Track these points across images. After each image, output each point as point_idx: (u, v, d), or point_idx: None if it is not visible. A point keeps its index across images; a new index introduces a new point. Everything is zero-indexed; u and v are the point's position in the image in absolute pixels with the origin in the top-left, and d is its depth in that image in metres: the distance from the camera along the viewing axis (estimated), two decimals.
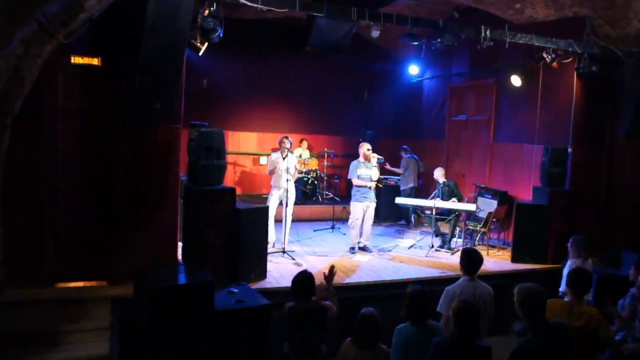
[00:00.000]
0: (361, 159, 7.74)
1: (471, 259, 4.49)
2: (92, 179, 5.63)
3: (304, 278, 4.29)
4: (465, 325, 3.35)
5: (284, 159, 7.69)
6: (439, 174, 8.43)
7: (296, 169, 7.99)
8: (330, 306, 4.25)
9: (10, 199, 4.95)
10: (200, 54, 5.85)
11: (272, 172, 7.77)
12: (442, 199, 8.16)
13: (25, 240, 5.37)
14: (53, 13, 4.28)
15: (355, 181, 7.67)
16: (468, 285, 4.38)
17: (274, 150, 8.94)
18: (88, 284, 5.62)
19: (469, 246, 7.55)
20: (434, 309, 4.29)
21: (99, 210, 5.63)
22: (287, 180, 7.53)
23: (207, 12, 5.43)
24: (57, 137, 5.48)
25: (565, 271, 5.69)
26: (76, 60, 5.43)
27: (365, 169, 7.66)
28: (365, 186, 7.62)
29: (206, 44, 5.73)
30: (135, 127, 5.53)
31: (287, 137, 7.83)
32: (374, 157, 7.72)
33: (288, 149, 7.71)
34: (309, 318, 4.15)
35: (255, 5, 5.39)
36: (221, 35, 5.67)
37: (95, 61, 5.49)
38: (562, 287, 5.56)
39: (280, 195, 7.73)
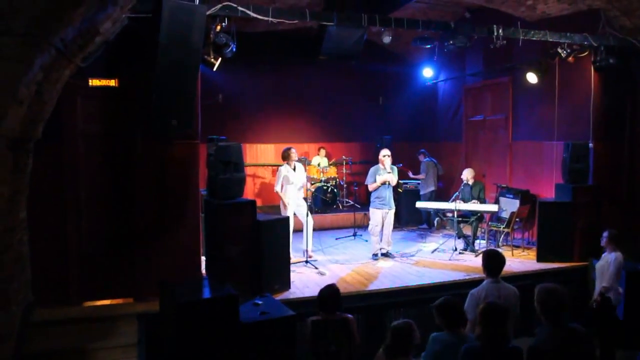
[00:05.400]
0: (380, 164, 7.73)
1: (493, 261, 4.43)
2: (113, 197, 5.71)
3: (331, 292, 4.32)
4: (492, 327, 3.28)
5: (294, 170, 7.63)
6: (468, 175, 8.31)
7: (307, 179, 7.95)
8: (352, 318, 4.23)
9: (35, 221, 5.04)
10: (215, 69, 5.93)
11: (282, 187, 7.54)
12: (465, 200, 8.08)
13: (51, 261, 5.46)
14: (70, 38, 4.37)
15: (369, 186, 7.67)
16: (492, 288, 4.31)
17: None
18: (115, 301, 5.70)
19: (491, 247, 7.47)
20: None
21: (122, 229, 5.70)
22: (306, 190, 7.52)
23: (219, 27, 5.51)
24: (78, 159, 5.57)
25: (599, 264, 5.62)
26: (94, 82, 5.53)
27: (382, 175, 7.61)
28: (377, 187, 7.53)
29: (220, 59, 5.81)
30: (154, 144, 5.62)
31: (291, 149, 7.68)
32: (387, 163, 7.60)
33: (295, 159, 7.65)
34: (333, 330, 4.16)
35: (266, 18, 5.45)
36: (234, 49, 5.74)
37: (112, 82, 5.58)
38: (605, 282, 5.51)
39: (295, 208, 7.64)
